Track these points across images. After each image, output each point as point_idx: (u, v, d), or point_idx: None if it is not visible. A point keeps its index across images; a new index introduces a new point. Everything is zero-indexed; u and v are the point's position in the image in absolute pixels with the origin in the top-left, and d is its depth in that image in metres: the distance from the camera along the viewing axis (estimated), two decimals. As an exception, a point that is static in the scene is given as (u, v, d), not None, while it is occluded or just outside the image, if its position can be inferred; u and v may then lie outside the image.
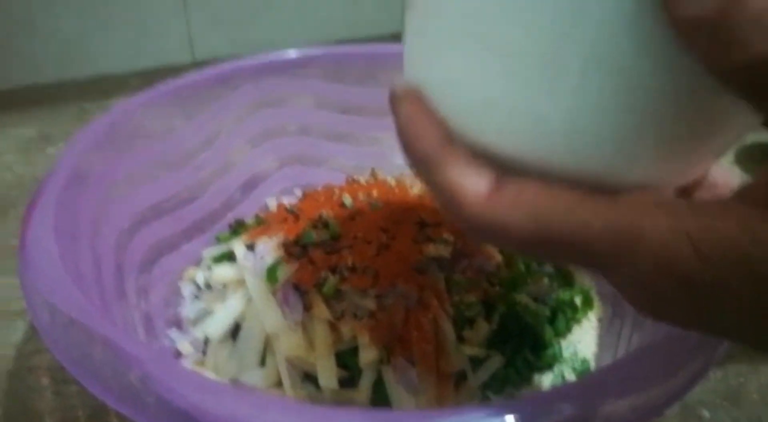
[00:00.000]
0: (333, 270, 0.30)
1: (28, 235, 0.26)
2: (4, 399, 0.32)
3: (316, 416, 0.19)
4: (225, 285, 0.32)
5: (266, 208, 0.41)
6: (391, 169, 0.42)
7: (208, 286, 0.35)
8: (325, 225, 0.32)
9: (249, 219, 0.40)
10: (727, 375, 0.35)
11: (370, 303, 0.29)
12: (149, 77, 0.65)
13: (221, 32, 0.70)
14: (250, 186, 0.43)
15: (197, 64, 0.67)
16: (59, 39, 0.63)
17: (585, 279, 0.36)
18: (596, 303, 0.34)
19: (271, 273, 0.30)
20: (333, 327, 0.29)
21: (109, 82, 0.65)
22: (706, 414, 0.33)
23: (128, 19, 0.65)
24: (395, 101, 0.20)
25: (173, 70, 0.42)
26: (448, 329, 0.29)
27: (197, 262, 0.37)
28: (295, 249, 0.31)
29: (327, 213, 0.32)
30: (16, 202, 0.47)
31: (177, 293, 0.36)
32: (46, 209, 0.28)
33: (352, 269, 0.30)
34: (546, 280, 0.33)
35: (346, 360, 0.28)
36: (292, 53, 0.44)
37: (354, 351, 0.29)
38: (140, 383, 0.20)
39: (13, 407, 0.32)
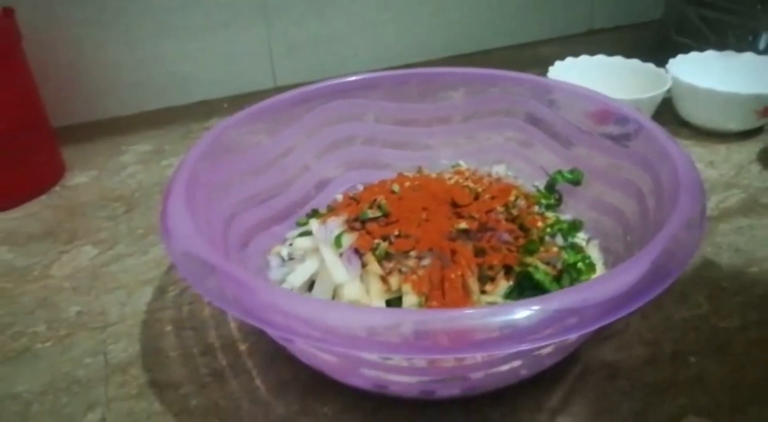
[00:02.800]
0: (384, 238, 0.39)
1: (168, 210, 0.36)
2: (139, 342, 0.43)
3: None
4: (304, 252, 0.42)
5: (335, 201, 0.50)
6: (436, 168, 0.51)
7: (291, 258, 0.44)
8: (379, 206, 0.41)
9: (322, 209, 0.49)
10: (716, 330, 0.41)
11: (412, 262, 0.38)
12: (239, 101, 0.76)
13: (299, 61, 0.80)
14: (322, 184, 0.53)
15: (279, 89, 0.78)
16: (167, 73, 0.75)
17: (594, 251, 0.43)
18: (599, 268, 0.41)
19: (337, 241, 0.39)
20: (384, 280, 0.37)
21: (206, 106, 0.76)
22: (693, 359, 0.39)
23: (220, 53, 0.77)
24: None
25: (258, 94, 0.51)
26: (473, 283, 0.37)
27: (282, 242, 0.47)
28: (355, 224, 0.40)
29: (380, 197, 0.42)
30: (140, 202, 0.59)
31: (267, 265, 0.45)
32: (177, 197, 0.37)
33: (399, 237, 0.38)
34: (554, 249, 0.40)
35: (394, 305, 0.37)
36: (355, 78, 0.53)
37: (399, 299, 0.37)
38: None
39: (147, 346, 0.43)
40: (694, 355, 0.39)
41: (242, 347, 0.41)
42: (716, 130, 0.64)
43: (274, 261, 0.45)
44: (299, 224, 0.48)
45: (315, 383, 0.38)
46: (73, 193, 0.61)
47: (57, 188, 0.62)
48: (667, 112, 0.66)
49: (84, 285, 0.48)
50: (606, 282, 0.30)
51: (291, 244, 0.45)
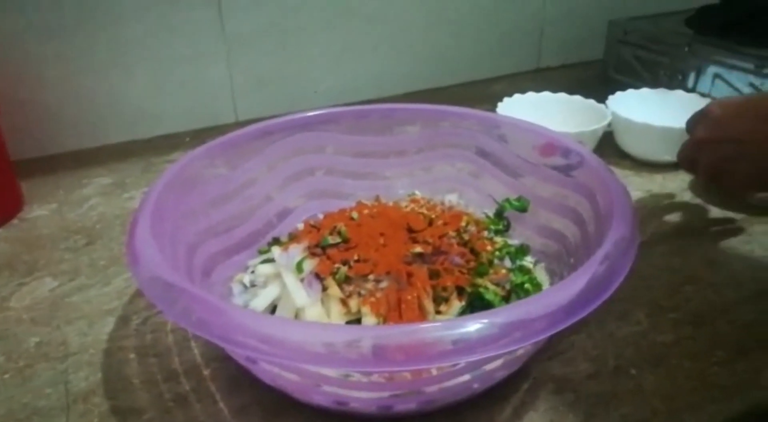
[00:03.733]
0: (344, 263, 0.41)
1: (135, 236, 0.37)
2: (101, 370, 0.43)
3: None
4: (266, 279, 0.43)
5: (296, 229, 0.52)
6: (393, 197, 0.53)
7: (253, 285, 0.46)
8: (339, 232, 0.43)
9: (283, 238, 0.51)
10: (653, 345, 0.44)
11: (370, 285, 0.40)
12: (201, 135, 0.78)
13: (260, 96, 0.82)
14: (284, 214, 0.54)
15: (240, 124, 0.80)
16: (129, 107, 0.77)
17: (541, 273, 0.46)
18: (544, 287, 0.44)
19: (298, 266, 0.41)
20: (344, 302, 0.39)
21: (168, 140, 0.78)
22: (633, 372, 0.42)
23: (183, 87, 0.78)
24: None
25: (220, 129, 0.53)
26: (428, 304, 0.40)
27: (244, 270, 0.48)
28: (316, 250, 0.42)
29: (340, 224, 0.44)
30: (101, 234, 0.59)
31: (229, 292, 0.47)
32: (143, 224, 0.39)
33: (358, 261, 0.41)
34: (503, 271, 0.43)
35: (354, 326, 0.39)
36: (316, 112, 0.56)
37: (358, 321, 0.39)
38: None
39: (109, 374, 0.43)
40: (634, 368, 0.42)
41: (205, 372, 0.42)
42: (652, 161, 0.69)
43: (236, 288, 0.46)
44: (261, 252, 0.50)
45: (277, 405, 0.39)
46: (32, 225, 0.61)
47: (15, 221, 0.62)
48: (608, 144, 0.70)
49: (44, 316, 0.49)
50: (548, 297, 0.32)
51: (253, 272, 0.47)
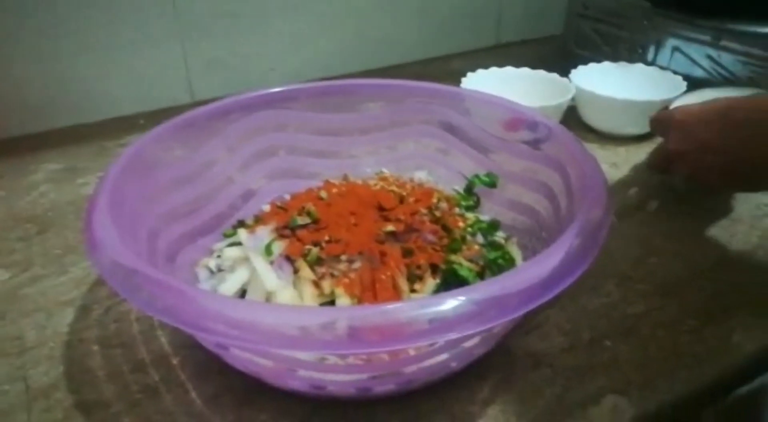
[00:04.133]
0: (315, 244, 0.40)
1: (92, 222, 0.35)
2: (63, 364, 0.41)
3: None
4: (233, 263, 0.42)
5: (262, 211, 0.51)
6: (360, 176, 0.52)
7: (220, 269, 0.44)
8: (308, 212, 0.42)
9: (249, 220, 0.50)
10: (625, 316, 0.44)
11: (343, 266, 0.39)
12: (156, 117, 0.74)
13: (216, 76, 0.80)
14: (248, 195, 0.53)
15: (197, 104, 0.77)
16: (80, 89, 0.73)
17: (512, 248, 0.46)
18: (518, 263, 0.43)
19: (267, 249, 0.40)
20: (316, 284, 0.38)
21: (122, 122, 0.74)
22: (608, 343, 0.42)
23: (135, 68, 0.75)
24: None
25: (176, 110, 0.51)
26: (402, 283, 0.39)
27: (209, 254, 0.47)
28: (285, 232, 0.41)
29: (308, 204, 0.42)
30: (54, 222, 0.57)
31: (195, 278, 0.45)
32: (101, 209, 0.37)
33: (329, 242, 0.39)
34: (476, 247, 0.42)
35: (327, 308, 0.38)
36: (278, 89, 0.54)
37: (332, 302, 0.38)
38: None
39: (71, 367, 0.41)
40: (608, 340, 0.43)
41: (174, 361, 0.41)
42: (616, 134, 0.70)
43: (202, 273, 0.44)
44: (226, 235, 0.48)
45: (250, 391, 0.38)
46: (-21, 215, 0.58)
47: (-40, 211, 0.58)
48: (572, 119, 0.71)
49: (-4, 310, 0.46)
50: (524, 272, 0.32)
51: (219, 256, 0.45)
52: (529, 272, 0.31)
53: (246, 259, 0.41)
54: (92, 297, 0.47)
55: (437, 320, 0.29)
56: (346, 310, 0.33)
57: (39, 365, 0.41)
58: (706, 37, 0.72)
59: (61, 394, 0.39)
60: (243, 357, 0.34)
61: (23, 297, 0.47)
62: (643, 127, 0.68)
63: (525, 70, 0.74)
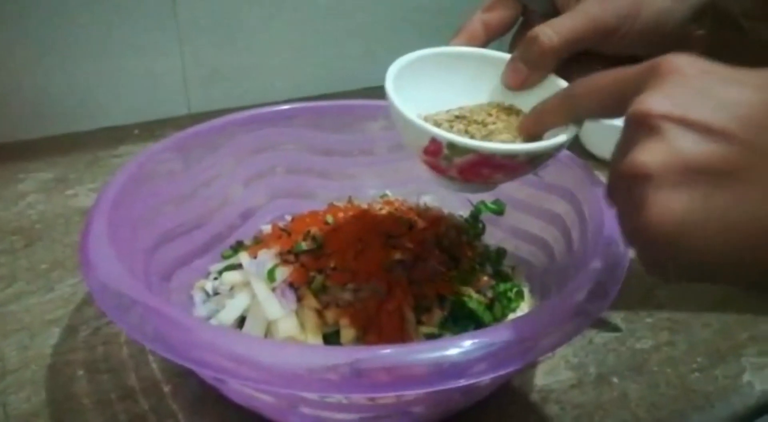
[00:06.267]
0: (319, 271, 0.38)
1: (89, 239, 0.33)
2: (46, 389, 0.39)
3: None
4: (232, 287, 0.40)
5: (261, 232, 0.49)
6: (363, 197, 0.51)
7: (216, 293, 0.42)
8: (313, 237, 0.40)
9: (247, 241, 0.48)
10: (633, 352, 0.43)
11: (348, 295, 0.37)
12: (151, 127, 0.73)
13: (214, 88, 0.78)
14: (247, 215, 0.51)
15: (193, 116, 0.76)
16: (74, 96, 0.71)
17: (520, 279, 0.44)
18: (526, 295, 0.42)
19: (270, 274, 0.38)
20: (320, 314, 0.37)
21: (116, 132, 0.72)
22: (615, 380, 0.41)
23: (132, 77, 0.73)
24: None
25: (172, 121, 0.49)
26: (409, 314, 0.37)
27: (206, 275, 0.45)
28: (289, 257, 0.39)
29: (314, 229, 0.41)
30: (42, 235, 0.54)
31: (190, 300, 0.43)
32: (99, 228, 0.35)
33: (334, 270, 0.38)
34: (485, 278, 0.41)
35: (331, 339, 0.36)
36: (280, 107, 0.53)
37: (336, 333, 0.36)
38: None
39: (55, 393, 0.39)
40: (616, 376, 0.41)
41: (166, 389, 0.39)
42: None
43: (198, 296, 0.43)
44: (225, 257, 0.46)
45: (247, 424, 0.36)
46: (-38, 225, 0.55)
47: (-58, 220, 0.56)
48: (576, 146, 0.70)
49: (-23, 329, 0.44)
50: (542, 315, 0.30)
51: (216, 278, 0.43)
52: (548, 315, 0.30)
53: (246, 284, 0.39)
54: (80, 317, 0.45)
55: (446, 363, 0.27)
56: (354, 352, 0.31)
57: (20, 390, 0.39)
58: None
59: (44, 422, 0.37)
60: (242, 391, 0.33)
61: (6, 314, 0.45)
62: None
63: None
